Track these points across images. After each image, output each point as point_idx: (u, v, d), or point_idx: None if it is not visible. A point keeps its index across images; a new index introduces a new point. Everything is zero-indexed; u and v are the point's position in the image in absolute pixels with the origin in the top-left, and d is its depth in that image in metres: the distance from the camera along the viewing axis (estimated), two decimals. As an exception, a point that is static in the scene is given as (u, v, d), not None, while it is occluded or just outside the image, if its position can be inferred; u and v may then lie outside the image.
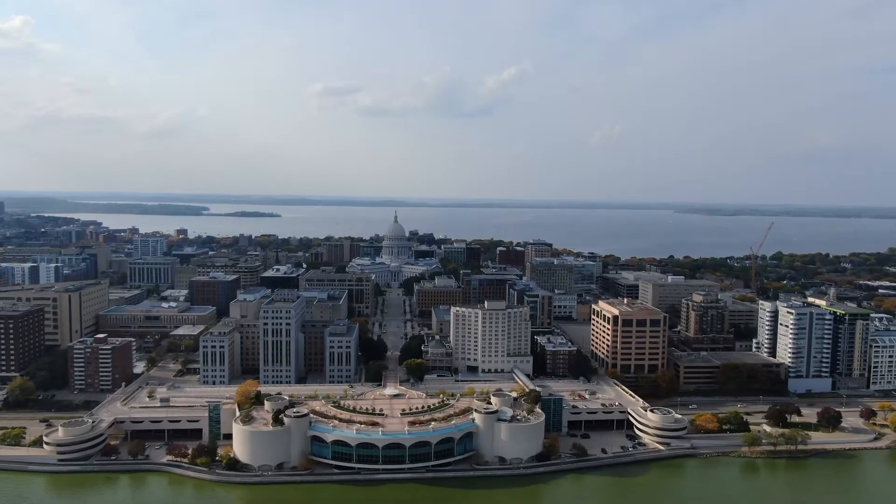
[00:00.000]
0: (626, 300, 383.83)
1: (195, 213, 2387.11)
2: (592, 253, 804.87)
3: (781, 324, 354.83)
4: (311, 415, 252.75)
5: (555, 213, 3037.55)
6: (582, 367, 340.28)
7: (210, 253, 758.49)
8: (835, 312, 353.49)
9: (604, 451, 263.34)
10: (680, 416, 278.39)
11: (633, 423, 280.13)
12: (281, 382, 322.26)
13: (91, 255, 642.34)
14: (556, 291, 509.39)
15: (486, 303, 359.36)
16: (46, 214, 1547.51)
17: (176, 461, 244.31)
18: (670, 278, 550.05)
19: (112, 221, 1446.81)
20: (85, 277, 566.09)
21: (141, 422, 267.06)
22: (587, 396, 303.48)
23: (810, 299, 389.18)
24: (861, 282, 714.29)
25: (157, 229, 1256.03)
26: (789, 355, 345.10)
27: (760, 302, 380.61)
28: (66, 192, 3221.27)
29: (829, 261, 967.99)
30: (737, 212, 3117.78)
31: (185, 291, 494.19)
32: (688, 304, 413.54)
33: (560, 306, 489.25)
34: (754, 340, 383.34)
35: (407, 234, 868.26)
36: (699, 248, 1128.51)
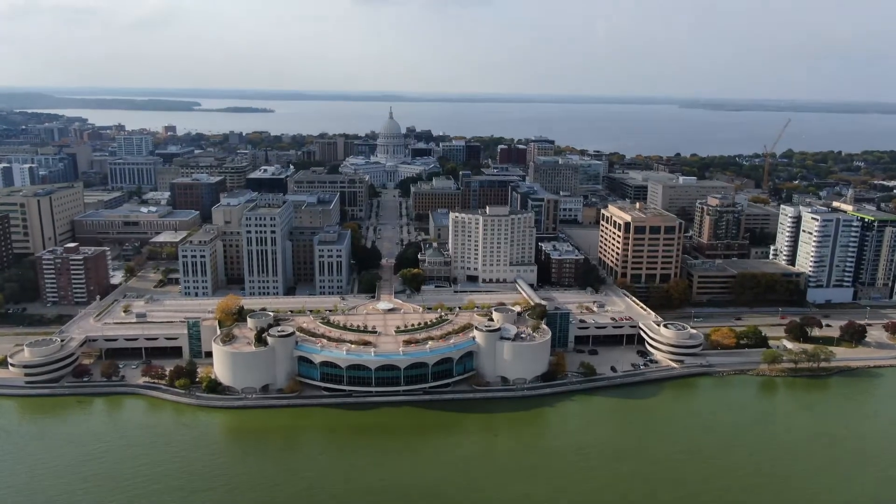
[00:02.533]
0: (637, 205, 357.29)
1: (186, 109, 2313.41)
2: (598, 151, 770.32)
3: (804, 230, 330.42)
4: (298, 333, 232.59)
5: (557, 108, 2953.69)
6: (589, 276, 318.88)
7: (196, 152, 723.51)
8: (862, 219, 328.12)
9: (613, 369, 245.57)
10: (695, 332, 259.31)
11: (644, 339, 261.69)
12: (268, 294, 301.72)
13: (69, 155, 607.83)
14: (562, 194, 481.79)
15: (487, 208, 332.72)
16: (30, 111, 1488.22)
17: (153, 383, 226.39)
18: (681, 179, 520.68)
19: (98, 118, 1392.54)
20: (63, 179, 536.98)
21: (115, 339, 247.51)
22: (595, 309, 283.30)
23: (836, 204, 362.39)
24: (876, 181, 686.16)
25: (144, 126, 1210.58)
26: (811, 264, 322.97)
27: (782, 207, 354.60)
28: (52, 88, 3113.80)
29: (841, 159, 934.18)
30: (742, 107, 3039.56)
31: (168, 194, 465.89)
32: (702, 208, 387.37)
33: (565, 209, 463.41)
34: (772, 247, 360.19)
35: (403, 132, 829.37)
36: (706, 146, 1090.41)
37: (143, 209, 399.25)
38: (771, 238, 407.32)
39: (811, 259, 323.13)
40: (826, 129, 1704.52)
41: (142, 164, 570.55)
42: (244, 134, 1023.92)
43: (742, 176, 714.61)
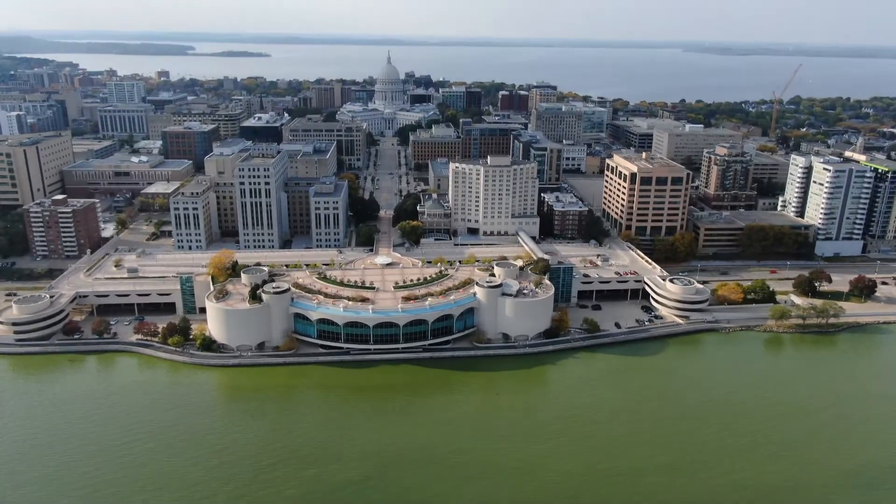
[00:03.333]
0: (644, 155, 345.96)
1: (180, 53, 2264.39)
2: (602, 98, 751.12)
3: (815, 181, 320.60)
4: (294, 289, 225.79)
5: (559, 52, 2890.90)
6: (593, 229, 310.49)
7: (190, 98, 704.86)
8: (876, 169, 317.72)
9: (617, 325, 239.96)
10: (702, 287, 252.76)
11: (649, 294, 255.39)
12: (263, 248, 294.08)
13: (59, 102, 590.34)
14: (565, 142, 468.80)
15: (488, 158, 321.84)
16: (20, 55, 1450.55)
17: (146, 341, 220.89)
18: (688, 127, 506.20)
19: (90, 63, 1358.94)
20: (53, 127, 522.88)
21: (106, 296, 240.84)
22: (599, 263, 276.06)
23: (847, 153, 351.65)
24: (885, 129, 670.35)
25: (137, 71, 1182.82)
26: (821, 216, 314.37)
27: (793, 157, 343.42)
28: (44, 31, 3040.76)
29: (850, 106, 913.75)
30: (749, 51, 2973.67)
31: (160, 143, 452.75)
32: (709, 158, 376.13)
33: (568, 159, 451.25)
34: (780, 199, 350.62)
35: (402, 77, 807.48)
36: (711, 92, 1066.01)
37: (135, 159, 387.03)
38: (779, 188, 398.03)
39: (821, 211, 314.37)
40: (835, 74, 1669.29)
41: (133, 111, 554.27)
42: (239, 80, 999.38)
43: (749, 123, 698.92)
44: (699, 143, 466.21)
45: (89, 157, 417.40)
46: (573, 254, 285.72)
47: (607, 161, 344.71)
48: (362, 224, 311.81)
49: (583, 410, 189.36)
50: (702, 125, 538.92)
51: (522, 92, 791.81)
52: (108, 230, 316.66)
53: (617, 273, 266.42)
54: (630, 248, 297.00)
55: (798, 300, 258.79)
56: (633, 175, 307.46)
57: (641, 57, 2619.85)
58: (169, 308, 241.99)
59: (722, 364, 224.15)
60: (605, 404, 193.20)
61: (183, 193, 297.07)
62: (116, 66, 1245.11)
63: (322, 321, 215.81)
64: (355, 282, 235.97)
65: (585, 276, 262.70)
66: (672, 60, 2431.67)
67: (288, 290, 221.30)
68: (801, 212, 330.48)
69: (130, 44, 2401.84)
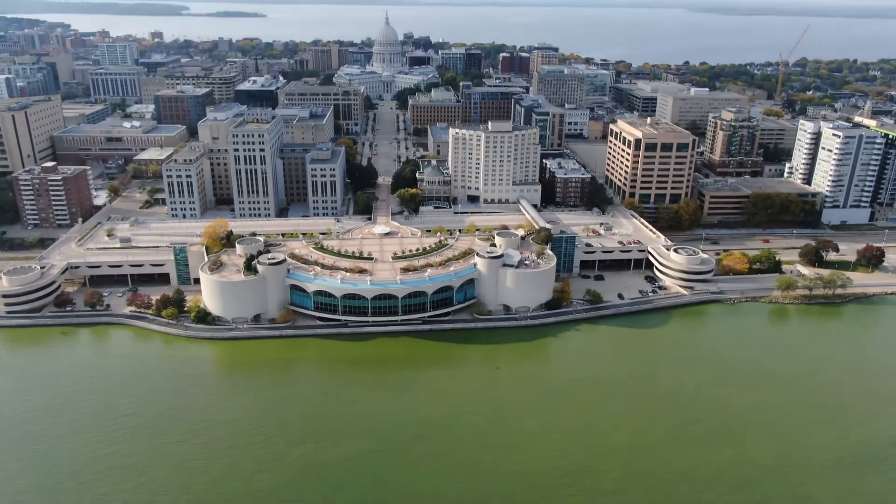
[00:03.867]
0: (648, 120, 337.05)
1: (174, 14, 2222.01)
2: (604, 60, 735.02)
3: (824, 147, 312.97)
4: (290, 260, 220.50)
5: (560, 12, 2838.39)
6: (596, 197, 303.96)
7: (184, 61, 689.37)
8: (887, 135, 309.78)
9: (620, 296, 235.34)
10: (706, 257, 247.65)
11: (653, 264, 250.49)
12: (259, 216, 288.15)
13: (49, 65, 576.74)
14: (567, 106, 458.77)
15: (489, 123, 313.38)
16: (9, 16, 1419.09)
17: (139, 313, 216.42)
18: (693, 91, 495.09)
19: (83, 24, 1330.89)
20: (43, 91, 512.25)
21: (98, 266, 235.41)
22: (602, 232, 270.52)
23: (857, 119, 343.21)
24: (893, 92, 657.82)
25: (130, 32, 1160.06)
26: (828, 183, 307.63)
27: (801, 122, 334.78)
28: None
29: (857, 68, 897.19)
30: (753, 11, 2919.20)
31: (153, 107, 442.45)
32: (715, 123, 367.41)
33: (570, 123, 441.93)
34: (787, 165, 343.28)
35: (401, 38, 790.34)
36: (716, 53, 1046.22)
37: (126, 124, 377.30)
38: (785, 154, 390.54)
39: (829, 178, 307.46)
40: (840, 35, 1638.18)
41: (125, 74, 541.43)
42: (234, 41, 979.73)
43: (754, 86, 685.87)
44: (704, 107, 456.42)
45: (81, 121, 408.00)
46: (575, 222, 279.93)
47: (611, 126, 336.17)
48: (360, 192, 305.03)
49: (583, 384, 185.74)
50: (707, 89, 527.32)
51: (524, 54, 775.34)
52: (101, 198, 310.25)
53: (620, 242, 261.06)
54: (633, 216, 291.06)
55: (804, 270, 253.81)
56: (638, 141, 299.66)
57: (644, 17, 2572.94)
58: (163, 279, 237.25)
59: (725, 336, 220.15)
60: (606, 378, 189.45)
61: (176, 160, 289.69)
62: (109, 26, 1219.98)
63: (319, 293, 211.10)
64: (353, 252, 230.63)
65: (588, 245, 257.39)
66: (676, 21, 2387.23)
67: (284, 261, 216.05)
68: (807, 179, 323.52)
69: (124, 3, 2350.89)
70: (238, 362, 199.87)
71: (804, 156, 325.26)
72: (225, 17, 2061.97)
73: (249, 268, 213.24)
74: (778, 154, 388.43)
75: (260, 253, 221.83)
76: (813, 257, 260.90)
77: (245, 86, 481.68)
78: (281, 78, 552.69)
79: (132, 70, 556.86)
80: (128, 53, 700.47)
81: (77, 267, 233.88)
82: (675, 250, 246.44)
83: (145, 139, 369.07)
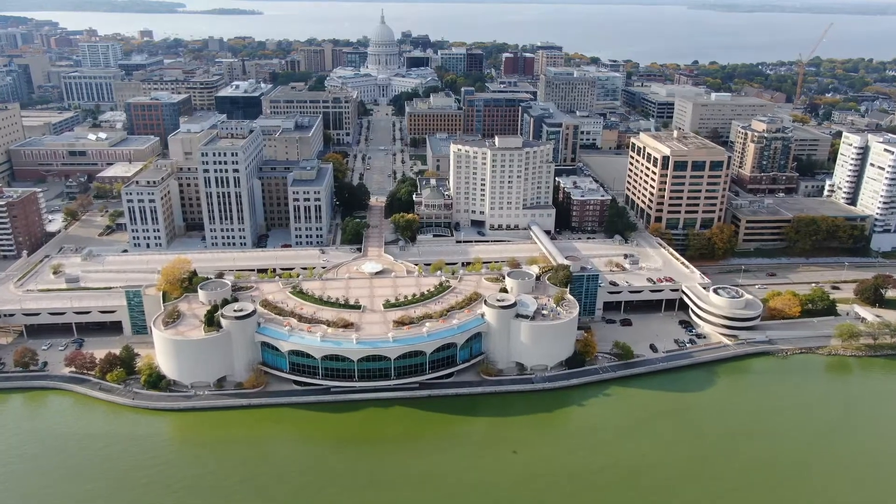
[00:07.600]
0: (675, 133, 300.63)
1: (169, 10, 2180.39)
2: (613, 61, 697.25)
3: (873, 164, 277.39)
4: (262, 310, 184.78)
5: (561, 9, 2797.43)
6: (618, 221, 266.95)
7: (166, 62, 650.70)
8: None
9: (653, 348, 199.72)
10: (752, 298, 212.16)
11: (688, 305, 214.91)
12: (233, 245, 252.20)
13: (21, 67, 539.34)
14: (578, 114, 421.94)
15: (496, 139, 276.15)
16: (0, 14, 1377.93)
17: (80, 374, 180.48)
18: (714, 96, 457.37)
19: (72, 21, 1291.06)
20: (14, 96, 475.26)
21: (37, 314, 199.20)
22: (627, 266, 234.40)
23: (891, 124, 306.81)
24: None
25: (120, 31, 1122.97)
26: (879, 205, 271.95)
27: (845, 135, 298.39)
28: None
29: (873, 67, 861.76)
30: (757, 8, 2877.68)
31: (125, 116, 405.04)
32: (745, 134, 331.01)
33: (583, 132, 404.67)
34: (828, 182, 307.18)
35: (398, 37, 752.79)
36: (723, 52, 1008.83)
37: (92, 136, 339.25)
38: (819, 166, 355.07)
39: (880, 199, 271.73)
40: (850, 32, 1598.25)
41: (101, 77, 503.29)
42: (225, 40, 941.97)
43: (770, 88, 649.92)
44: (727, 113, 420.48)
45: (46, 132, 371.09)
46: (595, 253, 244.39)
47: (632, 140, 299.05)
48: (349, 217, 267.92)
49: (617, 475, 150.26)
50: (728, 93, 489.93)
51: (528, 54, 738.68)
52: (56, 223, 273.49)
53: (650, 280, 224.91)
54: (661, 244, 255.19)
55: (863, 312, 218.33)
56: (666, 159, 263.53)
57: (646, 14, 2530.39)
58: (115, 327, 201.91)
59: (783, 403, 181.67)
60: (647, 466, 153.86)
61: (137, 182, 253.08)
62: (100, 24, 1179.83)
63: (295, 353, 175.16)
64: (337, 299, 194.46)
65: (612, 283, 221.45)
66: (678, 18, 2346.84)
67: (253, 312, 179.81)
68: (851, 199, 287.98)
69: (119, 0, 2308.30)
70: (197, 442, 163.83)
71: (849, 173, 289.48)
72: (220, 14, 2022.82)
73: (212, 322, 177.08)
74: (811, 166, 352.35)
75: (226, 301, 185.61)
76: (871, 295, 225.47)
77: (227, 91, 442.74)
78: (263, 85, 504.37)
79: (108, 73, 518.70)
80: (111, 54, 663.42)
81: (11, 315, 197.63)
82: (716, 290, 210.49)
83: (112, 153, 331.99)
